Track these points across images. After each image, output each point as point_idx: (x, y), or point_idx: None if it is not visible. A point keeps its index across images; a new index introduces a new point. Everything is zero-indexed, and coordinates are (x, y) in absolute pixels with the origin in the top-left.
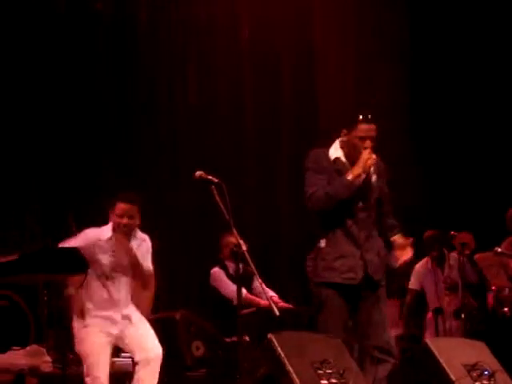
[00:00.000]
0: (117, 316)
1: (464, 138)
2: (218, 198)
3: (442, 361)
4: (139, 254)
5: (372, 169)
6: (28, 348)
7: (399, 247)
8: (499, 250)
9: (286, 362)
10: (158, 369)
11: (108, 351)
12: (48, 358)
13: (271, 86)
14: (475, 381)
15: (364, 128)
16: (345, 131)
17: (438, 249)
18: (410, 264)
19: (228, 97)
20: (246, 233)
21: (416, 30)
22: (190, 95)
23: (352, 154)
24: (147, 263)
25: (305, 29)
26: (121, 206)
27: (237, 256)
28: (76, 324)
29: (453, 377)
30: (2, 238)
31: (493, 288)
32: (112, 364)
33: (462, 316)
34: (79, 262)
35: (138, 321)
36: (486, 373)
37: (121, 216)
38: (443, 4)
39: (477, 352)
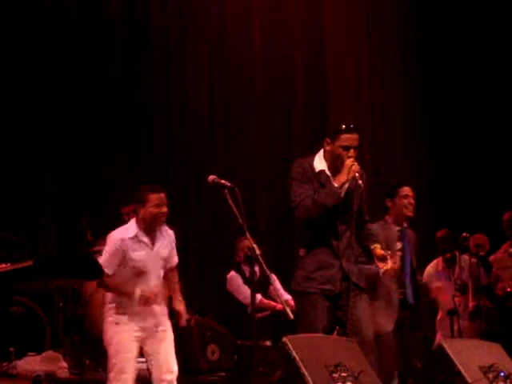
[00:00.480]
0: (147, 311)
1: (475, 138)
2: (231, 202)
3: (457, 362)
4: (167, 252)
5: (357, 175)
6: (44, 354)
7: (378, 258)
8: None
9: (301, 365)
10: None
11: (136, 350)
12: (64, 364)
13: (283, 88)
14: (491, 382)
15: (347, 137)
16: (328, 140)
17: (451, 250)
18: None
19: (240, 100)
20: (259, 236)
21: (428, 28)
22: (202, 99)
23: (335, 164)
24: (175, 258)
25: (316, 31)
26: (157, 196)
27: (251, 260)
28: (108, 319)
29: (469, 379)
30: (17, 243)
31: (508, 290)
32: None
33: (478, 317)
34: (94, 267)
35: (166, 330)
36: (502, 374)
37: (159, 205)
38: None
39: (493, 354)
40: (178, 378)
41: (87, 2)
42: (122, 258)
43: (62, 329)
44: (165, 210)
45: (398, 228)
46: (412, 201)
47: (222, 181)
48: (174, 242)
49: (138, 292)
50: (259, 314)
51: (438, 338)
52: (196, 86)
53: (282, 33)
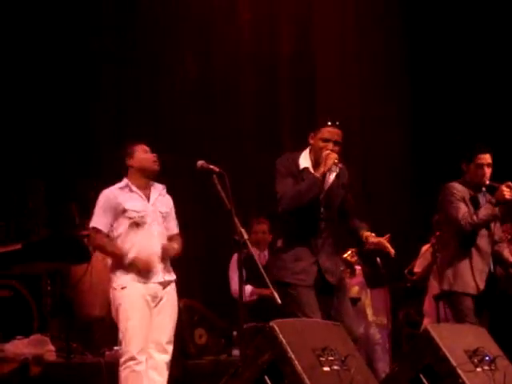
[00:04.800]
0: (156, 273)
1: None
2: (219, 188)
3: (443, 347)
4: (165, 208)
5: (335, 165)
6: (32, 337)
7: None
8: None
9: (288, 349)
10: (165, 372)
11: (148, 316)
12: (52, 347)
13: (269, 82)
14: (476, 366)
15: (328, 131)
16: (312, 134)
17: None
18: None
19: (227, 88)
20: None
21: (414, 31)
22: (188, 85)
23: (317, 157)
24: (175, 226)
25: (304, 26)
26: (143, 146)
27: (239, 245)
28: (114, 285)
29: (454, 362)
30: (5, 226)
31: None
32: None
33: None
34: (82, 251)
35: (171, 299)
36: (487, 358)
37: (147, 152)
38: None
39: (478, 338)
40: None
41: None
42: (115, 211)
43: (49, 312)
44: (154, 155)
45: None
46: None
47: (211, 166)
48: (173, 208)
49: (129, 257)
50: (247, 299)
51: (425, 322)
52: (184, 75)
53: (270, 26)
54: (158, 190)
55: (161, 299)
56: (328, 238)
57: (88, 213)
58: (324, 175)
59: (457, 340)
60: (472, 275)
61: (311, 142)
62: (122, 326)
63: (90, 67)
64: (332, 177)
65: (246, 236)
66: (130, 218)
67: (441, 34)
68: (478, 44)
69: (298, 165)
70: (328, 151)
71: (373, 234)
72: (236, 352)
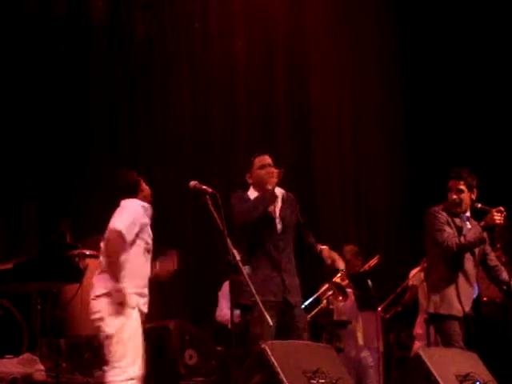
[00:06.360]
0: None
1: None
2: (212, 208)
3: (434, 371)
4: None
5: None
6: (21, 356)
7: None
8: None
9: (279, 371)
10: None
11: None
12: (41, 367)
13: (264, 97)
14: None
15: (259, 159)
16: (248, 175)
17: None
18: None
19: (221, 107)
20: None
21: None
22: (184, 106)
23: (260, 185)
24: None
25: (299, 38)
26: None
27: (230, 266)
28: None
29: None
30: None
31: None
32: None
33: None
34: (73, 271)
35: None
36: (478, 383)
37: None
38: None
39: (469, 362)
40: (157, 383)
41: (72, 10)
42: (138, 229)
43: (39, 332)
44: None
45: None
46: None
47: (204, 186)
48: None
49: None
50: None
51: (416, 345)
52: (178, 93)
53: (265, 41)
54: None
55: None
56: (289, 255)
57: (79, 231)
58: (273, 192)
59: (448, 364)
60: (458, 298)
61: (250, 180)
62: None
63: (83, 86)
64: (279, 200)
65: (238, 257)
66: (147, 243)
67: (438, 54)
68: (475, 64)
69: (247, 197)
70: (266, 172)
71: (327, 247)
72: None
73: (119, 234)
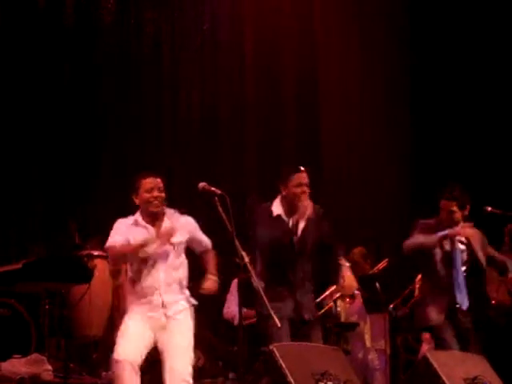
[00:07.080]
0: (157, 301)
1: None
2: (220, 210)
3: (442, 374)
4: (179, 237)
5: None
6: (29, 356)
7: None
8: None
9: (288, 373)
10: None
11: (144, 338)
12: (49, 367)
13: (273, 101)
14: None
15: (299, 176)
16: (282, 186)
17: None
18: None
19: (230, 108)
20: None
21: (418, 39)
22: (193, 110)
23: (291, 203)
24: (202, 242)
25: (307, 42)
26: (146, 181)
27: (239, 267)
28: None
29: None
30: (4, 242)
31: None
32: None
33: None
34: (83, 271)
35: (182, 322)
36: None
37: (150, 190)
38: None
39: (477, 365)
40: None
41: (81, 10)
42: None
43: (47, 332)
44: (156, 194)
45: None
46: None
47: (212, 188)
48: (194, 226)
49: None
50: (246, 321)
51: (424, 349)
52: (187, 94)
53: (273, 42)
54: (172, 221)
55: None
56: (305, 275)
57: (88, 232)
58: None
59: (456, 367)
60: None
61: (284, 192)
62: None
63: (92, 87)
64: (302, 221)
65: (246, 259)
66: (141, 258)
67: (444, 67)
68: (479, 76)
69: (271, 212)
70: (306, 202)
71: (349, 275)
72: (233, 375)
73: (107, 249)
